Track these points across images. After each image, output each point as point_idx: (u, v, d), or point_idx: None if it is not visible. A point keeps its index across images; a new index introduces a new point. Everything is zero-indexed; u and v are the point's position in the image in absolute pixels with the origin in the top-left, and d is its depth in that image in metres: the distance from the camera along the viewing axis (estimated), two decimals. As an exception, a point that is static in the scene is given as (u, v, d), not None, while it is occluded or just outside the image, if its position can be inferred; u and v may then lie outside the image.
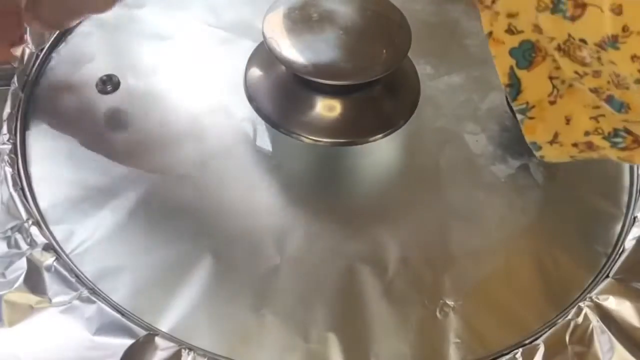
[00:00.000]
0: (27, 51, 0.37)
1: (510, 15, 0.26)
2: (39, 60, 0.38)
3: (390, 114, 0.34)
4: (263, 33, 0.32)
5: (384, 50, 0.33)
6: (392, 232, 0.33)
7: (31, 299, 0.28)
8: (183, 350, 0.27)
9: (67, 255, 0.30)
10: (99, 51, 0.39)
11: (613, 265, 0.31)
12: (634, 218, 0.34)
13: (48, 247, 0.30)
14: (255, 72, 0.35)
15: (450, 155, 0.36)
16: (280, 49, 0.32)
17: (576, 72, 0.26)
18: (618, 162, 0.29)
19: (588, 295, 0.30)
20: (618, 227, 0.34)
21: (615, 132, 0.27)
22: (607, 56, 0.24)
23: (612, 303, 0.29)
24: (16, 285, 0.29)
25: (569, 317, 0.29)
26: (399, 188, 0.35)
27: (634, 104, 0.25)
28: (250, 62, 0.35)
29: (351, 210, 0.34)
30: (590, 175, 0.36)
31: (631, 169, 0.36)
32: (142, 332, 0.27)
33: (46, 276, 0.29)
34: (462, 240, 0.33)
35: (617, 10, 0.22)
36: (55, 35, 0.39)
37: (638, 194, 0.35)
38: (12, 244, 0.30)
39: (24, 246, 0.30)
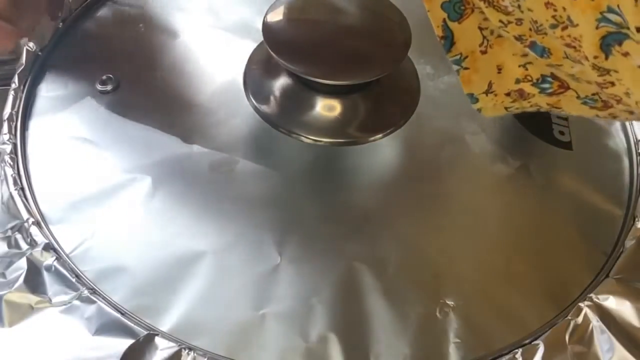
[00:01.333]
0: (28, 51, 0.37)
1: None
2: (39, 60, 0.38)
3: (390, 113, 0.34)
4: (263, 33, 0.32)
5: (384, 50, 0.33)
6: (392, 232, 0.33)
7: (31, 299, 0.28)
8: (183, 350, 0.27)
9: (67, 255, 0.30)
10: (99, 51, 0.39)
11: (613, 265, 0.31)
12: (634, 218, 0.34)
13: (48, 247, 0.30)
14: (255, 72, 0.35)
15: (450, 155, 0.36)
16: (280, 49, 0.32)
17: (501, 21, 0.27)
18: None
19: (588, 295, 0.30)
20: (618, 227, 0.34)
21: (543, 78, 0.29)
22: (525, 4, 0.25)
23: (612, 303, 0.29)
24: (16, 285, 0.29)
25: (569, 316, 0.29)
26: (398, 188, 0.35)
27: (554, 48, 0.27)
28: (250, 62, 0.35)
29: (351, 210, 0.34)
30: (590, 175, 0.36)
31: (631, 169, 0.37)
32: (142, 332, 0.27)
33: (46, 276, 0.29)
34: (462, 240, 0.33)
35: None
36: (55, 35, 0.39)
37: (638, 193, 0.35)
38: (12, 244, 0.30)
39: (24, 246, 0.30)
